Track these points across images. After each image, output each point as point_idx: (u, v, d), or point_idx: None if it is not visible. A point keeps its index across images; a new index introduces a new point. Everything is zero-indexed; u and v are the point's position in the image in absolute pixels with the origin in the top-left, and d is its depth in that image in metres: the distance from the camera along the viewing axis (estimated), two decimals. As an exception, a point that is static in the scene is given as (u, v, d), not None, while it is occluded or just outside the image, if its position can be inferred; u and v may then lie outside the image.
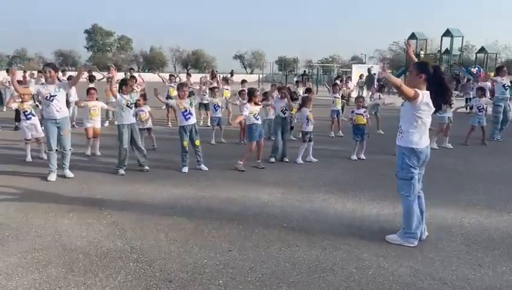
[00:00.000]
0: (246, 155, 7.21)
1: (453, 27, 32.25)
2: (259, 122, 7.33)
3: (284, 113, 8.04)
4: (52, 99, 6.12)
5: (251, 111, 7.20)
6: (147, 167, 6.92)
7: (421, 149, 4.04)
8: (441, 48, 34.05)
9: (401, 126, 4.14)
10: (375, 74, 20.04)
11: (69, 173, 6.45)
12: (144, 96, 9.07)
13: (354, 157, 8.26)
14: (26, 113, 7.61)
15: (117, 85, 7.16)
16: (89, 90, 8.71)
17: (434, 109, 4.03)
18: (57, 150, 6.34)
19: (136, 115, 7.72)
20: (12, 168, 6.90)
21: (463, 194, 5.92)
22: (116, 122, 12.23)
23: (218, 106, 10.13)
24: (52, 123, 6.20)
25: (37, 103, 7.96)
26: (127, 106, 6.75)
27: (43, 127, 6.95)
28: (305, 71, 39.35)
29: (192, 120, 7.02)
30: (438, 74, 4.05)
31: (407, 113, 4.06)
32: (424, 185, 4.33)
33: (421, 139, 4.03)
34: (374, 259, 3.81)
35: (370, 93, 14.87)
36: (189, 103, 6.98)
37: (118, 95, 6.77)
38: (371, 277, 3.48)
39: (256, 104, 7.33)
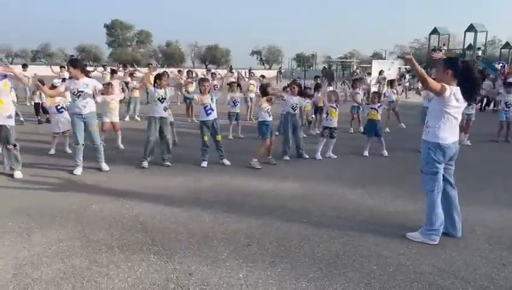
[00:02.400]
0: (260, 152, 7.13)
1: (477, 22, 31.52)
2: (271, 118, 7.23)
3: (294, 110, 7.88)
4: (79, 95, 6.23)
5: (263, 106, 7.17)
6: (168, 163, 6.98)
7: (448, 145, 3.98)
8: (464, 44, 33.34)
9: (428, 121, 4.09)
10: (335, 70, 20.23)
11: (105, 166, 6.55)
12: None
13: (366, 153, 8.18)
14: (58, 107, 7.77)
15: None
16: (106, 85, 8.84)
17: (465, 104, 3.97)
18: (83, 145, 6.44)
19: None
20: (36, 161, 7.05)
21: (486, 192, 5.81)
22: (136, 117, 12.49)
23: (237, 101, 10.12)
24: (79, 118, 6.30)
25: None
26: (159, 100, 6.82)
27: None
28: (324, 67, 39.09)
29: (213, 115, 7.07)
30: (466, 68, 3.96)
31: (434, 109, 4.01)
32: (456, 181, 4.27)
33: (449, 135, 3.97)
34: (395, 256, 3.77)
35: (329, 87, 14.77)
36: (210, 98, 7.03)
37: (152, 88, 6.88)
38: (391, 275, 3.45)
39: (268, 100, 7.25)
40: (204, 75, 16.17)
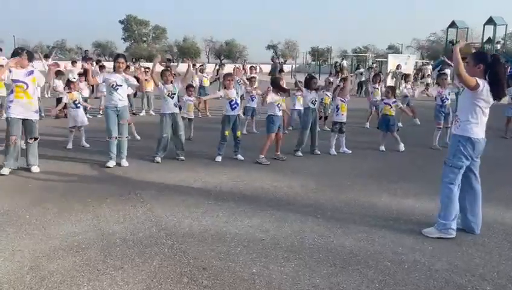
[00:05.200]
0: (266, 148, 6.97)
1: (497, 15, 30.84)
2: (280, 114, 7.11)
3: (314, 105, 7.74)
4: (117, 88, 6.38)
5: (274, 100, 7.01)
6: (182, 157, 7.00)
7: (479, 139, 3.96)
8: (482, 37, 32.66)
9: (457, 115, 4.05)
10: (280, 63, 20.46)
11: (124, 162, 6.58)
12: (192, 86, 9.42)
13: (382, 148, 8.10)
14: (75, 102, 7.88)
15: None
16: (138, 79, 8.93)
17: (492, 100, 3.92)
18: (116, 138, 6.49)
19: (181, 105, 7.84)
20: (54, 154, 7.15)
21: (504, 189, 5.70)
22: (151, 112, 12.57)
23: (254, 96, 10.02)
24: (113, 111, 6.41)
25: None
26: (169, 95, 6.85)
27: (88, 115, 7.20)
28: (336, 62, 38.79)
29: (238, 110, 7.08)
30: (495, 63, 3.94)
31: (466, 103, 3.98)
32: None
33: (479, 130, 3.95)
34: (410, 253, 3.73)
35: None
36: (235, 92, 7.03)
37: (160, 85, 6.89)
38: (406, 271, 3.41)
39: (280, 92, 7.10)
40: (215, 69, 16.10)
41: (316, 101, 7.78)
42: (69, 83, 8.76)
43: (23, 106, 5.88)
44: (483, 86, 3.82)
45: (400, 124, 10.80)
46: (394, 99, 8.28)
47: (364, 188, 5.64)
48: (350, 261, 3.56)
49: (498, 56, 4.29)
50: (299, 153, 7.59)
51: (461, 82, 3.93)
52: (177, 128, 6.95)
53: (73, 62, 16.46)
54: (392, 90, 8.50)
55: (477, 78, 3.82)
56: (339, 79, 12.02)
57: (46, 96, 14.64)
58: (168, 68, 8.17)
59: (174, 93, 6.91)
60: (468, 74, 3.86)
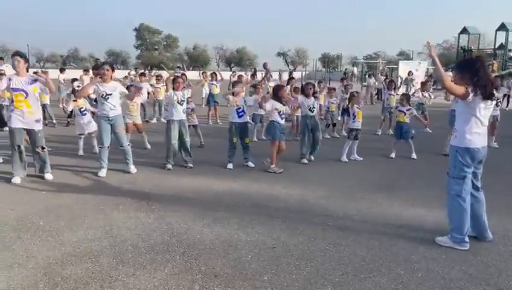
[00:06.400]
0: (273, 156, 6.88)
1: (509, 21, 30.57)
2: (283, 121, 7.02)
3: (312, 112, 7.62)
4: (108, 98, 6.34)
5: (276, 108, 6.94)
6: (190, 165, 7.02)
7: (477, 148, 3.86)
8: (495, 43, 32.39)
9: (455, 125, 3.98)
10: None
11: (133, 169, 6.62)
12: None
13: (393, 155, 8.05)
14: (81, 110, 7.97)
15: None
16: (128, 87, 8.98)
17: (493, 106, 3.84)
18: (109, 147, 6.54)
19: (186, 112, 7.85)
20: (66, 162, 7.23)
21: (520, 197, 5.61)
22: (163, 119, 12.66)
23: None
24: (105, 120, 6.41)
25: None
26: (178, 102, 6.90)
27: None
28: (346, 69, 38.71)
29: (244, 118, 7.12)
30: (479, 64, 3.81)
31: (461, 112, 3.90)
32: (483, 185, 4.14)
33: (477, 139, 3.85)
34: (423, 261, 3.68)
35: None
36: (243, 100, 7.07)
37: (171, 91, 6.94)
38: (420, 280, 3.37)
39: (281, 100, 7.02)
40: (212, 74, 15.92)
41: (314, 108, 7.65)
42: (74, 92, 8.90)
43: (23, 115, 5.83)
44: (474, 93, 3.72)
45: (413, 131, 10.72)
46: (409, 107, 8.22)
47: (376, 196, 5.60)
48: (362, 270, 3.53)
49: (481, 58, 4.17)
50: (305, 161, 7.52)
51: (450, 93, 3.87)
52: (183, 134, 6.99)
53: (85, 70, 16.64)
54: (406, 97, 8.44)
55: (466, 87, 3.72)
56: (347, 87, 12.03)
57: (61, 106, 14.81)
58: (180, 75, 8.21)
59: (184, 100, 6.97)
60: (458, 83, 3.81)
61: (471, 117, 3.82)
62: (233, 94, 7.17)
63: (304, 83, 8.33)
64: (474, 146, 3.84)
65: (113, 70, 6.56)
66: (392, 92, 11.37)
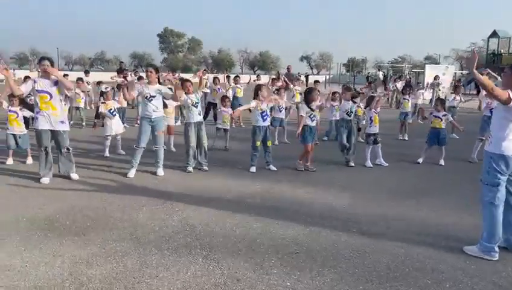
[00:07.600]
0: (304, 156, 7.18)
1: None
2: (313, 124, 7.14)
3: (349, 116, 7.71)
4: (151, 100, 6.48)
5: (306, 111, 7.09)
6: (205, 167, 7.04)
7: None
8: (526, 47, 31.46)
9: (491, 131, 3.87)
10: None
11: (160, 171, 6.68)
12: (227, 97, 9.56)
13: (420, 160, 7.90)
14: (111, 111, 8.11)
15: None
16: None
17: None
18: (144, 148, 6.61)
19: (217, 115, 7.90)
20: (92, 162, 7.37)
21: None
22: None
23: (282, 107, 10.00)
24: (147, 121, 6.54)
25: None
26: (193, 105, 6.94)
27: (125, 124, 7.34)
28: (369, 73, 38.22)
29: (268, 121, 7.17)
30: None
31: (498, 118, 3.80)
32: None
33: None
34: (451, 271, 3.58)
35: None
36: (266, 104, 7.11)
37: (184, 96, 6.98)
38: (447, 290, 3.28)
39: (310, 104, 7.13)
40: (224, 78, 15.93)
41: (351, 112, 7.72)
42: (102, 94, 9.05)
43: (48, 117, 5.92)
44: None
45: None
46: (444, 112, 8.04)
47: (401, 202, 5.49)
48: (388, 278, 3.46)
49: None
50: (351, 164, 7.58)
51: (494, 100, 3.76)
52: (200, 137, 7.02)
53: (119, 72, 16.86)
54: (441, 103, 8.25)
55: (509, 91, 3.63)
56: (372, 91, 11.88)
57: (88, 107, 15.12)
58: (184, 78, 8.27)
59: (198, 102, 7.00)
60: (505, 86, 3.70)
61: (508, 123, 3.73)
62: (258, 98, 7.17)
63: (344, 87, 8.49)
64: (510, 153, 3.73)
65: (157, 72, 6.70)
66: (407, 97, 11.19)
